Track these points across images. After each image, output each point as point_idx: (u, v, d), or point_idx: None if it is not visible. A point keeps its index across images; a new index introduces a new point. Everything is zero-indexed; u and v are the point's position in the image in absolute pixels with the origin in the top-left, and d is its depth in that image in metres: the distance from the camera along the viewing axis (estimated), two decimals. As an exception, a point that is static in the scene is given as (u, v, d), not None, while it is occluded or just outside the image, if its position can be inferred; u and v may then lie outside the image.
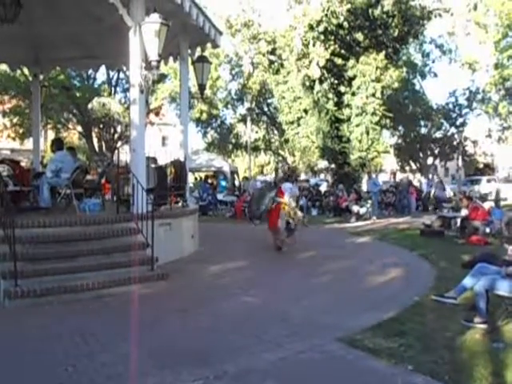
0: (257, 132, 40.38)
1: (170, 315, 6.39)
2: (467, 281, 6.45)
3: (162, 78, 32.00)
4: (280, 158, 39.42)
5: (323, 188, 26.45)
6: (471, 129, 41.13)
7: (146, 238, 8.38)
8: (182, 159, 11.48)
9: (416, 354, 5.01)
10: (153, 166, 10.64)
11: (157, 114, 35.15)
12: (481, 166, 45.98)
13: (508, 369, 4.68)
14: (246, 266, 9.72)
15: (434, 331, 5.72)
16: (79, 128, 33.10)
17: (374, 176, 23.03)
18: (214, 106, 37.67)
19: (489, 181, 33.99)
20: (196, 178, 32.83)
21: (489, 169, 45.52)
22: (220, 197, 24.60)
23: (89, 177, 12.19)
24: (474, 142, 41.70)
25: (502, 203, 20.17)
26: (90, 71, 28.53)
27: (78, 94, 30.01)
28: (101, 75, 37.73)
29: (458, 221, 14.30)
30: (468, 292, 6.51)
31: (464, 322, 5.95)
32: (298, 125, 24.55)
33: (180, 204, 11.39)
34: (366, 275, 8.94)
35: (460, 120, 39.11)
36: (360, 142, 22.63)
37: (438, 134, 40.61)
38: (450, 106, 38.84)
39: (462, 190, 26.18)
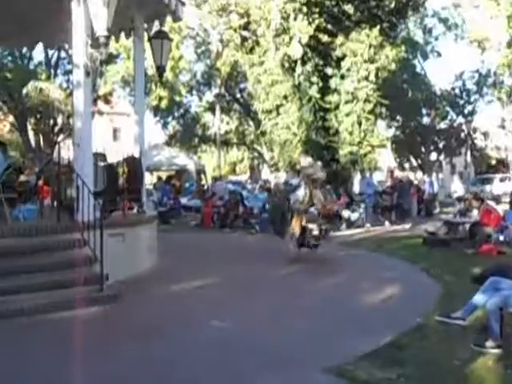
0: (228, 123, 40.60)
1: (122, 346, 6.31)
2: (478, 298, 6.49)
3: (113, 57, 31.82)
4: (256, 154, 39.51)
5: None
6: (481, 118, 41.62)
7: (93, 252, 8.32)
8: (137, 156, 11.41)
9: (417, 386, 5.04)
10: (102, 164, 10.59)
11: (106, 102, 34.93)
12: (493, 162, 46.59)
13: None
14: (215, 284, 9.74)
15: (439, 358, 5.75)
16: (11, 118, 32.65)
17: (367, 175, 23.21)
18: (175, 92, 37.62)
19: (502, 180, 34.57)
20: (159, 179, 32.69)
21: (502, 166, 46.09)
22: (184, 201, 24.58)
23: (23, 178, 12.02)
24: (485, 134, 42.28)
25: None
26: (25, 49, 28.01)
27: (9, 76, 29.56)
28: (38, 54, 37.35)
29: (467, 227, 14.48)
30: (479, 311, 6.57)
31: (474, 346, 5.98)
32: (277, 114, 24.44)
33: (135, 210, 11.32)
34: (358, 293, 9.03)
35: (468, 108, 39.67)
36: (351, 134, 22.70)
37: (443, 125, 41.11)
38: (457, 91, 39.42)
39: (471, 190, 26.47)
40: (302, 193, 12.45)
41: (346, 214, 19.61)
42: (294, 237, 12.02)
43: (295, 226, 12.01)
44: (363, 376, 5.22)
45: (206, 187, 29.08)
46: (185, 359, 5.87)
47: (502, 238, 13.88)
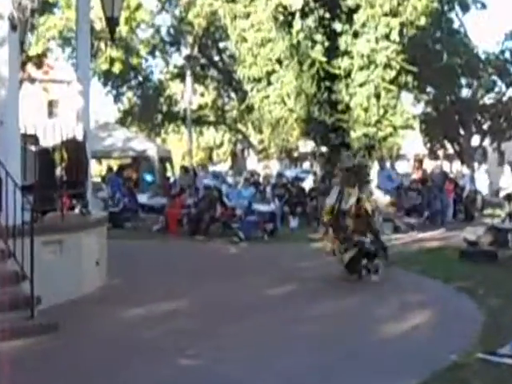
0: (202, 95, 40.63)
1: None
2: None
3: (48, 6, 31.63)
4: (239, 137, 39.46)
5: (308, 184, 26.53)
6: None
7: (21, 266, 8.30)
8: (80, 138, 11.39)
9: None
10: (33, 148, 10.53)
11: (39, 66, 34.70)
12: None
13: None
14: (183, 310, 9.76)
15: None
16: None
17: (388, 165, 23.25)
18: (132, 53, 37.55)
19: None
20: (110, 169, 32.49)
21: None
22: (143, 199, 24.54)
23: None
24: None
25: None
26: None
27: None
28: None
29: None
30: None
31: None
32: (268, 83, 24.53)
33: (77, 210, 11.30)
34: (374, 321, 9.09)
35: None
36: (366, 111, 22.84)
37: (489, 99, 41.15)
38: (507, 54, 39.48)
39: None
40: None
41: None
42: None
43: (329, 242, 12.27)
44: None
45: (172, 180, 29.09)
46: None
47: None
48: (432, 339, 8.17)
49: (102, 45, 34.85)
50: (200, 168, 29.07)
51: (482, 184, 28.78)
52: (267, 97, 24.80)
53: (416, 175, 25.78)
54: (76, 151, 11.13)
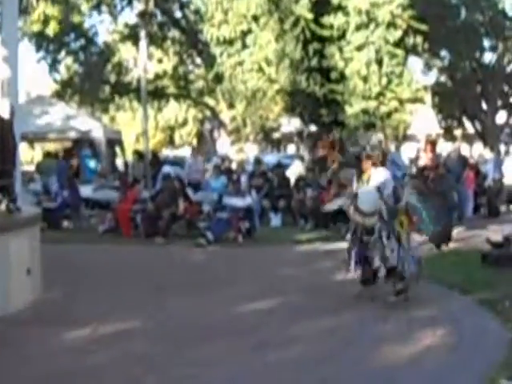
0: (160, 61, 40.74)
1: None
2: None
3: None
4: (208, 114, 39.40)
5: (293, 172, 26.38)
6: None
7: None
8: (5, 116, 11.32)
9: None
10: None
11: None
12: None
13: None
14: (138, 330, 9.79)
15: None
16: None
17: (392, 148, 23.26)
18: (71, 9, 37.45)
19: None
20: (48, 154, 32.34)
21: None
22: (87, 192, 24.60)
23: None
24: None
25: None
26: None
27: None
28: None
29: None
30: None
31: None
32: (243, 47, 24.80)
33: (3, 206, 11.24)
34: (374, 343, 9.13)
35: None
36: (365, 80, 23.06)
37: None
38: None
39: None
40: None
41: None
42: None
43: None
44: None
45: (125, 169, 29.07)
46: None
47: None
48: (446, 364, 8.18)
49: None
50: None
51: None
52: (241, 63, 25.11)
53: (427, 160, 25.74)
54: (0, 132, 11.07)
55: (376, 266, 11.15)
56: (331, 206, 11.97)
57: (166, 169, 23.16)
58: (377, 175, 11.49)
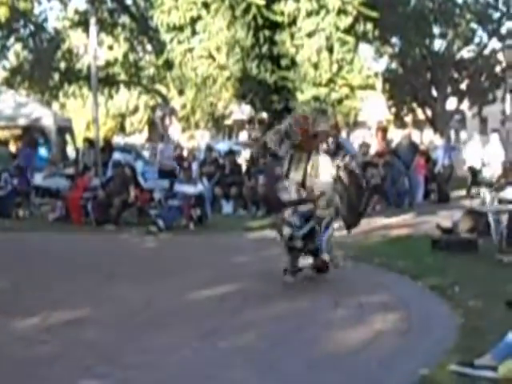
0: (111, 48, 41.19)
1: None
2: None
3: None
4: (159, 101, 39.32)
5: (244, 160, 26.85)
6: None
7: None
8: None
9: None
10: None
11: None
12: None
13: None
14: (89, 318, 9.47)
15: None
16: None
17: (343, 135, 23.41)
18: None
19: None
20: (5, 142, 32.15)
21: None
22: (37, 180, 24.11)
23: None
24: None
25: None
26: None
27: None
28: None
29: (504, 219, 14.37)
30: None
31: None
32: (193, 33, 25.02)
33: None
34: (326, 328, 9.03)
35: (508, 25, 40.57)
36: (316, 67, 23.19)
37: (467, 53, 42.11)
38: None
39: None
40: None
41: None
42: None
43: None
44: None
45: (76, 156, 29.57)
46: None
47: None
48: (397, 349, 8.10)
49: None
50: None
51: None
52: (191, 50, 25.26)
53: (377, 147, 25.63)
54: None
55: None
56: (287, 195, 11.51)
57: (117, 156, 23.34)
58: (325, 167, 11.53)
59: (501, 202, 16.04)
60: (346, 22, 23.15)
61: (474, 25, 40.50)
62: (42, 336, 8.53)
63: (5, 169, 22.41)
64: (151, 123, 46.31)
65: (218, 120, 35.44)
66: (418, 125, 43.81)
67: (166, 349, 8.10)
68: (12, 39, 39.37)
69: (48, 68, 39.03)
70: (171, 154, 25.53)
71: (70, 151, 31.98)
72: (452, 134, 38.07)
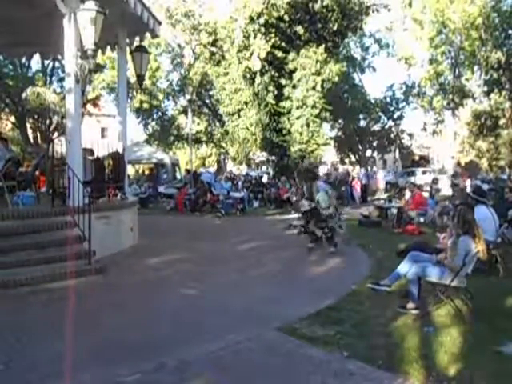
0: (198, 124, 39.99)
1: (108, 310, 6.28)
2: (401, 268, 6.54)
3: (100, 67, 31.18)
4: (222, 150, 39.25)
5: (264, 180, 26.53)
6: (408, 122, 42.29)
7: (82, 232, 8.19)
8: (120, 151, 11.23)
9: (352, 340, 5.13)
10: (90, 157, 10.39)
11: (95, 105, 34.29)
12: (417, 158, 47.42)
13: (437, 351, 4.90)
14: (185, 259, 9.59)
15: (370, 318, 5.87)
16: (12, 118, 31.81)
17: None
18: (154, 97, 37.02)
19: (424, 172, 35.19)
20: (137, 171, 32.42)
21: (424, 160, 47.08)
22: (161, 189, 24.41)
23: (22, 169, 11.75)
24: (411, 135, 42.63)
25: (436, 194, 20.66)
26: (24, 60, 27.33)
27: (10, 83, 28.88)
28: (35, 64, 36.40)
29: (394, 211, 14.54)
30: (402, 279, 6.63)
31: (398, 308, 6.13)
32: (239, 116, 24.38)
33: (119, 197, 11.17)
34: (305, 266, 9.04)
35: (397, 113, 39.99)
36: (300, 134, 22.73)
37: (376, 127, 41.28)
38: (388, 99, 39.69)
39: (400, 181, 26.55)
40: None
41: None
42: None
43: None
44: (308, 333, 5.34)
45: (180, 178, 28.95)
46: (161, 320, 5.90)
47: (422, 220, 14.11)
48: (341, 276, 8.25)
49: (135, 92, 34.45)
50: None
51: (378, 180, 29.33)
52: (238, 125, 24.66)
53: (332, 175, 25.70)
54: (117, 159, 11.00)
55: (319, 235, 10.39)
56: (305, 207, 10.37)
57: (203, 176, 23.25)
58: (321, 185, 10.90)
59: (391, 201, 16.26)
60: (316, 111, 22.68)
61: (380, 113, 39.86)
62: (161, 267, 8.76)
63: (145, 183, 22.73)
64: (218, 162, 46.03)
65: (250, 160, 35.47)
66: (351, 163, 43.05)
67: (224, 274, 8.32)
68: (150, 119, 38.98)
69: (167, 134, 38.89)
70: (209, 176, 23.72)
71: (178, 175, 31.61)
72: (369, 168, 37.59)
